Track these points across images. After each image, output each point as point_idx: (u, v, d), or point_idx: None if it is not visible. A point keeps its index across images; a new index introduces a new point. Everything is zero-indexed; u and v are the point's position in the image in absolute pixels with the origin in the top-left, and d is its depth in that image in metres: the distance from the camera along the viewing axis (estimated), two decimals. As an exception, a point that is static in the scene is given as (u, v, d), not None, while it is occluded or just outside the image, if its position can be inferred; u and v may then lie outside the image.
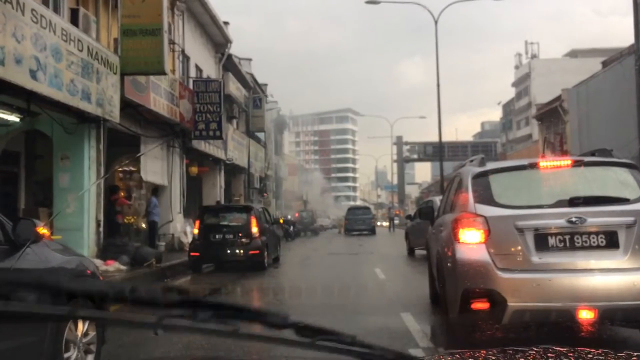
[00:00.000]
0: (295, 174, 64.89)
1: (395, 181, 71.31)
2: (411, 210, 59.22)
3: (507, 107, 70.06)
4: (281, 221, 28.17)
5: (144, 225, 17.90)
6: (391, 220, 46.31)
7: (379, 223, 54.08)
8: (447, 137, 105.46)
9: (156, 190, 17.35)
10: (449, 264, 5.51)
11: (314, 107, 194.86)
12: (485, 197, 5.40)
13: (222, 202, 24.46)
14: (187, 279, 12.93)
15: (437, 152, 41.85)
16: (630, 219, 4.99)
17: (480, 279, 5.04)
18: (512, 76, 69.00)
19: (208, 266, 14.68)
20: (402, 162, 64.35)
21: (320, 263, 16.63)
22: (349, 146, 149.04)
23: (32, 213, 12.54)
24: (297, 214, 43.33)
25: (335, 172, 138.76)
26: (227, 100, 25.40)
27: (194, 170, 21.60)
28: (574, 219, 5.00)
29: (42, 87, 10.13)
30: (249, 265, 13.72)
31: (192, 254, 14.04)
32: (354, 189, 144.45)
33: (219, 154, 23.99)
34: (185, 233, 18.76)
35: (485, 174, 5.65)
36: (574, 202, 5.11)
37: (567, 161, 5.61)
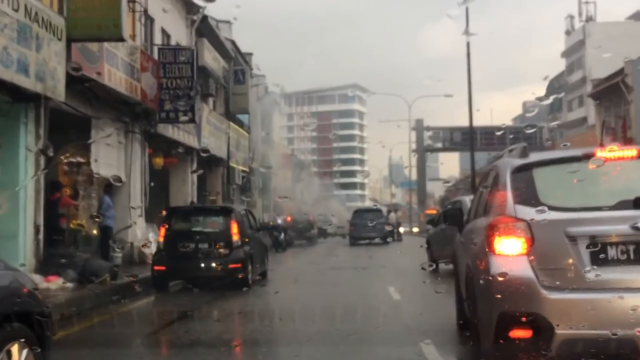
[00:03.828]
0: (288, 167, 64.87)
1: (414, 176, 71.35)
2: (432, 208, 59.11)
3: (556, 83, 70.10)
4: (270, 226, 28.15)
5: (95, 232, 17.89)
6: (397, 226, 46.21)
7: (402, 229, 54.13)
8: (480, 120, 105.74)
9: (110, 187, 17.32)
10: (481, 281, 5.53)
11: (312, 82, 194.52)
12: (528, 196, 5.42)
13: (195, 202, 24.45)
14: (149, 300, 12.90)
15: (467, 139, 41.90)
16: None
17: (520, 300, 5.06)
18: (561, 44, 69.10)
19: (176, 284, 14.67)
20: (423, 152, 64.43)
21: (319, 280, 16.61)
22: (356, 132, 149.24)
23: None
24: (289, 218, 43.28)
25: (338, 165, 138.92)
26: (202, 73, 25.36)
27: (159, 162, 21.55)
28: (640, 225, 5.02)
29: (-34, 56, 10.11)
30: (228, 282, 13.70)
31: (156, 268, 14.04)
32: (362, 186, 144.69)
33: (191, 141, 23.97)
34: (147, 241, 18.75)
35: (527, 168, 5.67)
36: (640, 203, 5.13)
37: (632, 151, 5.61)
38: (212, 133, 27.45)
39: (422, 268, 17.18)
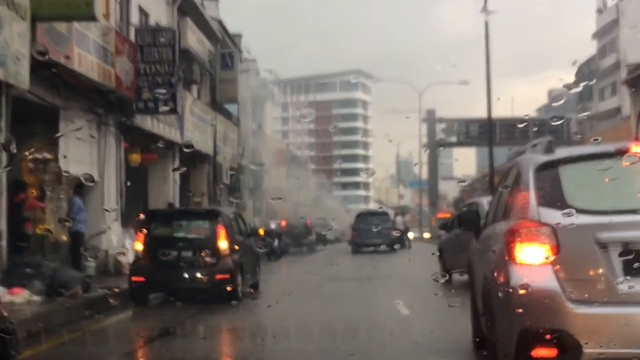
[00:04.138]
0: (283, 165, 64.99)
1: (424, 175, 71.40)
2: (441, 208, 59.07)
3: (586, 69, 70.11)
4: (261, 232, 28.15)
5: (64, 238, 17.87)
6: (405, 231, 46.20)
7: (410, 234, 54.11)
8: (500, 111, 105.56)
9: (81, 187, 17.32)
10: (500, 294, 5.56)
11: (309, 68, 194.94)
12: (554, 197, 5.46)
13: (174, 204, 24.47)
14: (126, 315, 12.92)
15: (485, 133, 41.83)
16: None
17: (544, 315, 5.09)
18: (592, 24, 69.10)
19: (157, 296, 14.70)
20: (435, 147, 64.44)
21: (318, 292, 16.63)
22: (359, 124, 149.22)
23: None
24: (284, 222, 43.33)
25: (339, 162, 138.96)
26: (185, 57, 25.38)
27: (137, 158, 21.56)
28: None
29: None
30: (215, 294, 13.75)
31: (134, 278, 14.07)
32: (366, 186, 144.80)
33: (173, 135, 24.01)
34: (124, 249, 18.76)
35: (553, 165, 5.70)
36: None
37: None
38: (197, 125, 27.45)
39: (434, 279, 17.19)
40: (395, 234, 40.63)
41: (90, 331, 10.61)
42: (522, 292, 5.19)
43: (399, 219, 46.04)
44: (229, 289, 13.80)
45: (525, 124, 52.98)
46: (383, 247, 38.31)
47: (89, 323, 11.17)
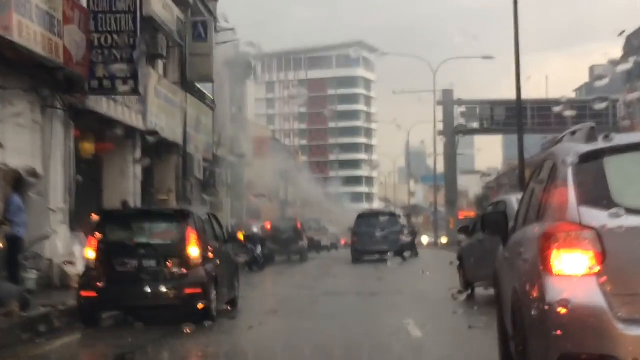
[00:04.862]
0: (268, 156, 65.03)
1: (440, 168, 71.61)
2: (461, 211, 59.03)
3: (636, 41, 70.22)
4: (241, 237, 28.14)
5: None
6: (413, 236, 46.37)
7: (424, 238, 54.01)
8: (531, 92, 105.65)
9: (21, 182, 17.27)
10: (534, 312, 5.55)
11: (300, 39, 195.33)
12: (598, 195, 5.46)
13: (138, 203, 24.39)
14: (74, 339, 12.87)
15: (513, 118, 41.87)
16: None
17: (588, 338, 5.10)
18: (643, -13, 69.04)
19: (112, 315, 14.66)
20: (453, 134, 64.65)
21: (310, 310, 16.66)
22: (361, 107, 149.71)
23: None
24: (269, 225, 43.41)
25: (337, 153, 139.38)
26: (149, 26, 25.26)
27: (90, 148, 21.53)
28: None
29: None
30: (184, 313, 13.68)
31: (84, 293, 14.00)
32: (370, 181, 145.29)
33: (134, 120, 23.97)
34: (72, 257, 18.72)
35: (596, 156, 5.70)
36: None
37: None
38: (163, 109, 27.41)
39: (453, 297, 17.19)
40: (405, 239, 40.79)
41: (30, 357, 10.54)
42: (560, 309, 5.20)
43: (402, 219, 46.20)
44: (200, 306, 13.77)
45: (562, 107, 53.16)
46: (390, 255, 38.38)
47: (27, 348, 11.18)
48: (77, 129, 20.37)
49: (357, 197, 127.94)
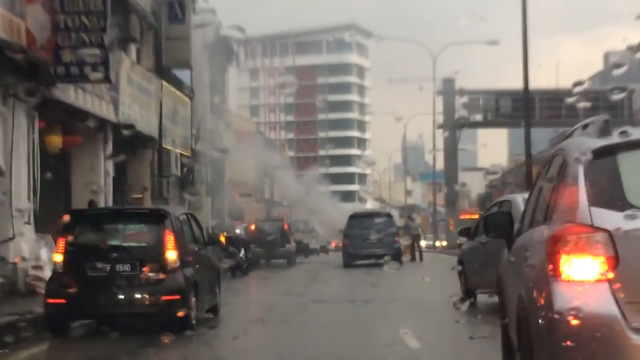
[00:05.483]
0: (251, 151, 64.98)
1: (440, 165, 71.64)
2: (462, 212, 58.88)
3: (653, 26, 70.33)
4: (223, 240, 28.11)
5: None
6: (415, 239, 46.38)
7: (437, 242, 53.64)
8: (540, 80, 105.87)
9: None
10: (541, 321, 5.55)
11: (288, 22, 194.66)
12: (611, 194, 5.48)
13: (108, 203, 24.34)
14: (41, 350, 12.84)
15: (521, 109, 41.85)
16: None
17: (599, 350, 5.09)
18: (663, -35, 69.30)
19: (83, 324, 14.63)
20: (455, 128, 64.61)
21: (298, 319, 16.66)
22: (354, 97, 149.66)
23: None
24: (253, 226, 43.42)
25: (327, 147, 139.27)
26: (121, 7, 25.25)
27: (57, 141, 21.48)
28: None
29: None
30: (162, 322, 13.69)
31: (51, 301, 13.99)
32: (363, 179, 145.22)
33: (104, 111, 23.93)
34: (39, 261, 18.68)
35: (610, 152, 5.71)
36: None
37: None
38: (137, 98, 27.37)
39: (454, 304, 17.21)
40: (405, 242, 40.80)
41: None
42: (569, 319, 5.20)
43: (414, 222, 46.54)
44: (179, 314, 13.72)
45: (574, 97, 52.87)
46: (385, 260, 38.34)
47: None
48: (42, 121, 20.32)
49: (349, 196, 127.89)
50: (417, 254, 43.70)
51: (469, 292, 18.55)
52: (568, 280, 5.33)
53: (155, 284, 13.86)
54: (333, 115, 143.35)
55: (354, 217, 43.11)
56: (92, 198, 23.98)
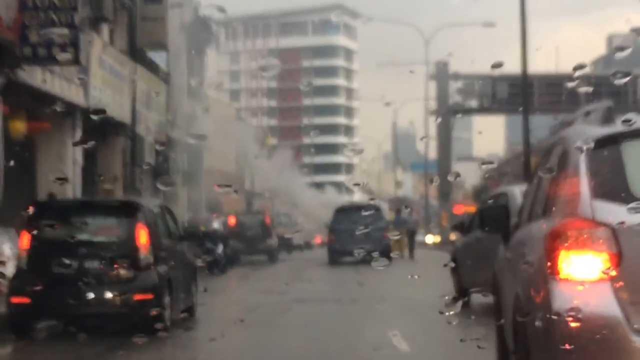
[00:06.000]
0: (230, 138, 64.88)
1: (432, 154, 71.70)
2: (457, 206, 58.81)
3: (662, 7, 70.40)
4: (200, 234, 28.08)
5: None
6: (411, 235, 46.49)
7: (429, 238, 53.43)
8: (539, 65, 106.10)
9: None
10: (539, 322, 5.57)
11: (270, 1, 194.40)
12: (614, 186, 5.50)
13: (77, 194, 24.29)
14: (4, 353, 12.84)
15: (518, 95, 41.94)
16: None
17: (601, 353, 5.12)
18: (671, -58, 69.44)
19: (49, 325, 14.62)
20: (449, 114, 64.60)
21: (281, 320, 16.70)
22: (341, 82, 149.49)
23: None
24: (232, 220, 43.37)
25: (312, 135, 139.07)
26: (91, -16, 25.17)
27: (21, 127, 21.44)
28: None
29: None
30: (134, 322, 13.59)
31: (15, 300, 14.01)
32: (350, 168, 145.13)
33: (73, 94, 23.89)
34: (1, 257, 18.65)
35: (613, 141, 5.74)
36: None
37: None
38: (108, 82, 27.31)
39: (446, 305, 17.25)
40: (394, 237, 40.82)
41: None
42: (569, 320, 5.21)
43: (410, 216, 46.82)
44: (152, 314, 13.70)
45: (575, 82, 52.97)
46: (372, 256, 38.37)
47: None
48: (7, 106, 20.26)
49: (335, 188, 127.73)
50: (407, 251, 43.81)
51: (462, 291, 18.59)
52: (567, 279, 5.34)
53: (126, 282, 13.89)
54: (319, 101, 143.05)
55: (340, 211, 43.13)
56: (53, 191, 23.87)
